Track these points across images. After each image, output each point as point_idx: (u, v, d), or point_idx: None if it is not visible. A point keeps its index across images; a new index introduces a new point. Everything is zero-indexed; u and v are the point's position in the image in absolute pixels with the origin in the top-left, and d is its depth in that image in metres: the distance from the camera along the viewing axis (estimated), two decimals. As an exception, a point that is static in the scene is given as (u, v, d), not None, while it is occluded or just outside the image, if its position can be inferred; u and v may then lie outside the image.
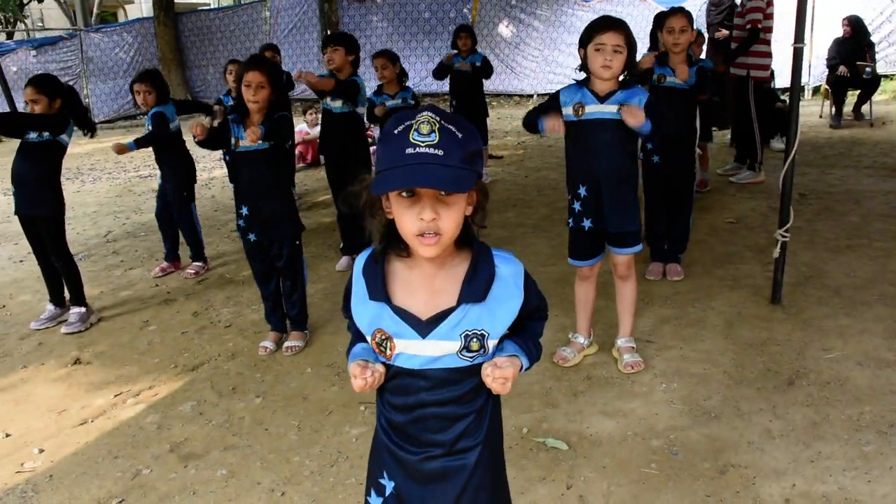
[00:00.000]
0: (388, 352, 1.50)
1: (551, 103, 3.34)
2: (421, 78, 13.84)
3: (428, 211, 1.37)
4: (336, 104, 5.09)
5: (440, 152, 1.33)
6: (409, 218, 1.40)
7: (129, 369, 3.97)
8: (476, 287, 1.47)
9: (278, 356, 3.96)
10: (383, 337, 1.50)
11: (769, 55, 6.77)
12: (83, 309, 4.68)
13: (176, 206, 5.51)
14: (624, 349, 3.53)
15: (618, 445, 2.90)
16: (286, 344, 4.02)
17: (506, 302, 1.50)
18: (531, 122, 3.33)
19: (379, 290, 1.49)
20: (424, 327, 1.47)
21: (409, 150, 1.34)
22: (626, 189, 3.27)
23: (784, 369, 3.40)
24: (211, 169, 9.96)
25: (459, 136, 1.36)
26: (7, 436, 3.38)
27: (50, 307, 4.80)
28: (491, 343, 1.49)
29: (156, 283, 5.42)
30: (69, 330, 4.55)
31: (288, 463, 2.95)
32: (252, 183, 3.80)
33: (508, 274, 1.51)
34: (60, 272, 4.70)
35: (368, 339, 1.53)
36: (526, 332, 1.60)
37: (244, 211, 3.85)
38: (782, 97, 9.04)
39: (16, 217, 4.63)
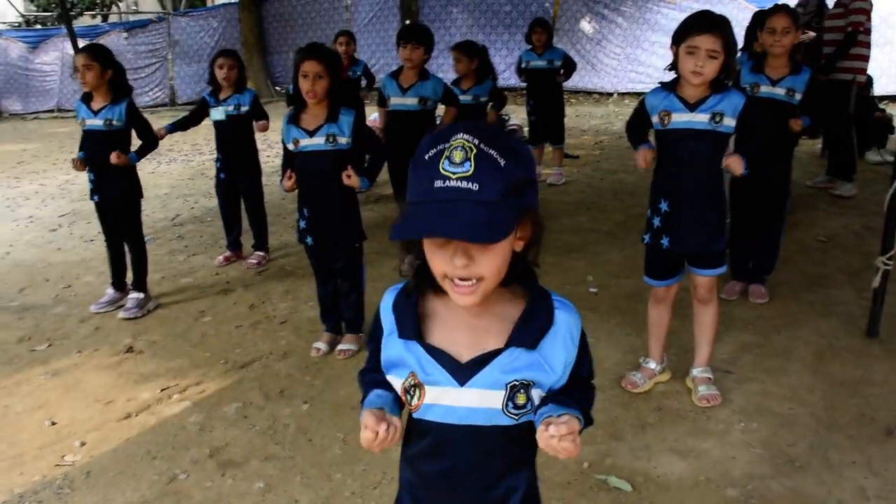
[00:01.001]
0: (416, 401, 1.25)
1: (638, 117, 3.04)
2: (500, 72, 13.52)
3: (459, 257, 1.14)
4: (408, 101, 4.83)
5: (475, 186, 1.10)
6: (440, 260, 1.17)
7: (179, 362, 3.84)
8: (530, 331, 1.23)
9: (330, 359, 3.78)
10: (412, 383, 1.25)
11: (868, 59, 6.26)
12: (142, 295, 4.61)
13: (249, 195, 5.42)
14: (700, 380, 3.21)
15: (688, 491, 2.60)
16: (339, 347, 3.83)
17: (557, 354, 1.25)
18: (631, 142, 3.10)
19: (410, 326, 1.26)
20: (463, 372, 1.23)
21: (439, 184, 1.11)
22: (713, 206, 2.95)
23: (881, 415, 3.03)
24: (276, 157, 9.92)
25: (502, 163, 1.11)
26: (53, 423, 3.30)
27: (110, 291, 4.74)
28: (536, 395, 1.24)
29: (217, 271, 5.32)
30: (126, 315, 4.48)
31: (329, 480, 2.75)
32: (314, 185, 3.59)
33: (565, 322, 1.26)
34: (130, 256, 4.66)
35: (397, 384, 1.28)
36: (575, 393, 1.32)
37: (305, 212, 3.66)
38: (881, 106, 8.42)
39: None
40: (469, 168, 1.10)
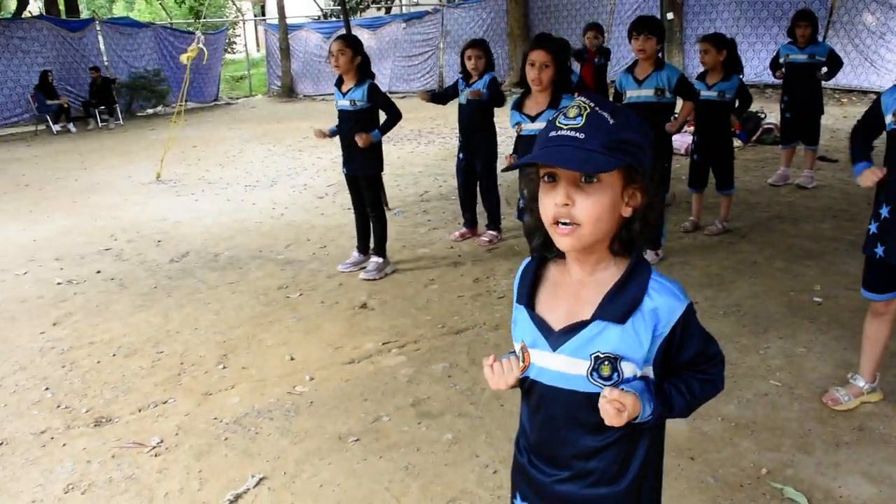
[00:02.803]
0: (523, 363, 1.38)
1: (869, 118, 2.84)
2: (764, 67, 12.68)
3: (560, 195, 1.25)
4: None
5: (581, 135, 1.22)
6: (547, 203, 1.28)
7: (402, 321, 4.23)
8: (617, 305, 1.29)
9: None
10: (521, 346, 1.39)
11: None
12: (381, 259, 5.10)
13: (483, 177, 5.72)
14: (914, 405, 2.92)
15: (872, 516, 2.43)
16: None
17: (649, 332, 1.30)
18: (851, 154, 2.93)
19: (524, 293, 1.39)
20: (556, 339, 1.33)
21: (553, 133, 1.26)
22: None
23: None
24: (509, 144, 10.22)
25: (611, 122, 1.22)
26: (292, 359, 3.82)
27: (355, 254, 5.29)
28: (627, 368, 1.30)
29: (451, 245, 5.71)
30: (366, 276, 4.99)
31: (510, 442, 2.91)
32: None
33: (662, 305, 1.30)
34: (371, 223, 5.16)
35: (517, 345, 1.42)
36: (673, 380, 1.36)
37: (525, 193, 3.86)
38: None
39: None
40: (580, 121, 1.23)
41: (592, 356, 1.30)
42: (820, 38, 8.40)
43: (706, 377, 1.39)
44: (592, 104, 1.25)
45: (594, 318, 1.30)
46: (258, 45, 30.35)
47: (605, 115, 1.23)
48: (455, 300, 4.53)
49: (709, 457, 2.77)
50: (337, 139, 5.09)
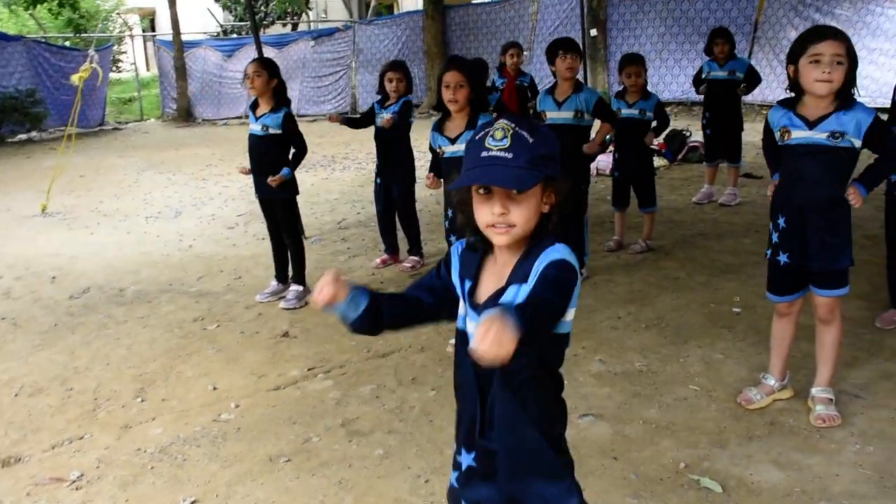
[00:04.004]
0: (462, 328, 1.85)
1: (768, 135, 3.38)
2: (689, 84, 13.60)
3: (497, 206, 1.69)
4: None
5: (509, 155, 1.65)
6: (483, 211, 1.72)
7: (327, 347, 4.57)
8: (522, 268, 1.73)
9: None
10: (462, 314, 1.84)
11: None
12: (301, 287, 5.42)
13: (401, 201, 6.12)
14: (819, 399, 3.44)
15: (779, 500, 2.89)
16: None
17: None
18: (769, 167, 3.54)
19: (470, 271, 1.82)
20: (481, 308, 1.76)
21: (484, 154, 1.68)
22: (834, 223, 3.20)
23: None
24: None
25: (531, 140, 1.67)
26: (215, 388, 4.11)
27: (274, 283, 5.60)
28: None
29: (373, 272, 6.08)
30: (286, 305, 5.30)
31: (441, 454, 3.30)
32: None
33: (549, 254, 1.71)
34: (289, 250, 5.49)
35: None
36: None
37: (449, 213, 4.27)
38: None
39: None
40: (506, 142, 1.66)
41: None
42: (744, 54, 9.17)
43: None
44: (514, 125, 1.68)
45: (508, 283, 1.75)
46: (148, 63, 30.16)
47: (526, 134, 1.67)
48: (382, 326, 4.89)
49: (630, 456, 3.21)
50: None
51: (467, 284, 1.83)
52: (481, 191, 1.71)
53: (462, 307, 1.85)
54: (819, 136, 3.12)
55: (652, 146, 6.04)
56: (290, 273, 5.55)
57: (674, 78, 14.80)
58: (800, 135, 3.16)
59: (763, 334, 4.25)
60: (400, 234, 6.25)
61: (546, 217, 1.76)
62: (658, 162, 9.00)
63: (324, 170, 11.24)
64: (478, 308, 1.78)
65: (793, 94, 3.22)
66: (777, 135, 3.25)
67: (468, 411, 1.86)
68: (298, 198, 5.52)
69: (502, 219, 1.69)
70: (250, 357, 4.51)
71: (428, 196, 7.39)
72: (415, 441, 3.43)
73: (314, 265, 6.09)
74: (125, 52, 28.78)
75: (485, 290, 1.80)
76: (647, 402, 3.64)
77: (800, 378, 3.73)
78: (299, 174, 5.63)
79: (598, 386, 3.85)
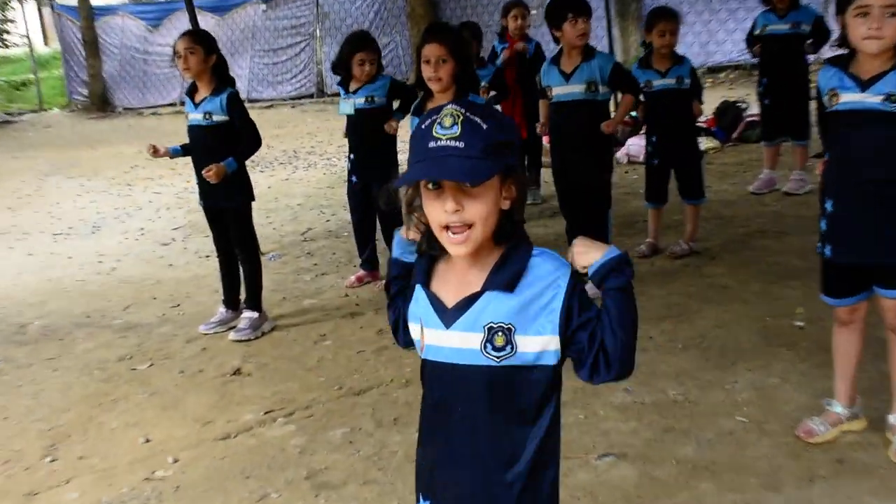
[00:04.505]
0: (422, 343, 2.03)
1: (821, 103, 3.55)
2: (736, 46, 13.66)
3: (450, 202, 1.86)
4: None
5: (460, 144, 1.82)
6: (434, 209, 1.90)
7: (288, 386, 4.77)
8: (503, 275, 1.92)
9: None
10: (419, 326, 2.03)
11: None
12: (256, 314, 5.62)
13: (383, 204, 6.26)
14: (897, 429, 3.60)
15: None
16: None
17: (540, 299, 1.92)
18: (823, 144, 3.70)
19: (421, 273, 2.03)
20: (450, 316, 1.96)
21: (432, 144, 1.85)
22: (893, 209, 3.36)
23: None
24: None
25: (484, 126, 1.84)
26: (147, 441, 4.30)
27: (221, 310, 5.82)
28: (521, 340, 1.91)
29: (346, 293, 6.30)
30: (238, 337, 5.51)
31: (429, 508, 3.48)
32: None
33: (547, 271, 1.93)
34: (242, 269, 5.70)
35: (415, 329, 2.06)
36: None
37: None
38: None
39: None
40: (456, 130, 1.83)
41: (485, 327, 1.92)
42: (805, 2, 9.25)
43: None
44: (465, 111, 1.85)
45: (484, 289, 1.93)
46: (46, 35, 29.73)
47: (478, 120, 1.83)
48: (354, 357, 5.10)
49: (661, 503, 3.39)
50: (182, 163, 5.62)
51: (421, 290, 2.03)
52: (430, 186, 1.88)
53: (416, 330, 2.06)
54: (872, 99, 3.30)
55: (699, 123, 6.21)
56: (243, 297, 5.75)
57: (728, 34, 14.94)
58: (850, 98, 3.35)
59: (832, 353, 4.45)
60: (381, 245, 6.45)
61: (507, 215, 1.93)
62: (706, 143, 9.21)
63: (284, 168, 11.49)
64: (445, 314, 1.97)
65: (845, 51, 3.40)
66: (825, 99, 3.45)
67: (435, 453, 2.08)
68: (254, 205, 5.72)
69: (457, 217, 1.85)
70: (192, 401, 4.71)
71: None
72: (396, 493, 3.62)
73: (272, 287, 6.30)
74: (13, 21, 27.98)
75: (445, 296, 1.99)
76: (682, 437, 3.83)
77: (876, 405, 3.88)
78: (254, 176, 5.85)
79: (622, 420, 4.04)
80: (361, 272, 6.49)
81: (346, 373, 4.88)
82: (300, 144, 13.11)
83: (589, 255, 1.97)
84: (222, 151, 5.31)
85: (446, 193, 1.86)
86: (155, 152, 5.47)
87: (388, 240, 6.32)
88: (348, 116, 6.24)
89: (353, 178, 6.37)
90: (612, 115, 5.65)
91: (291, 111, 17.58)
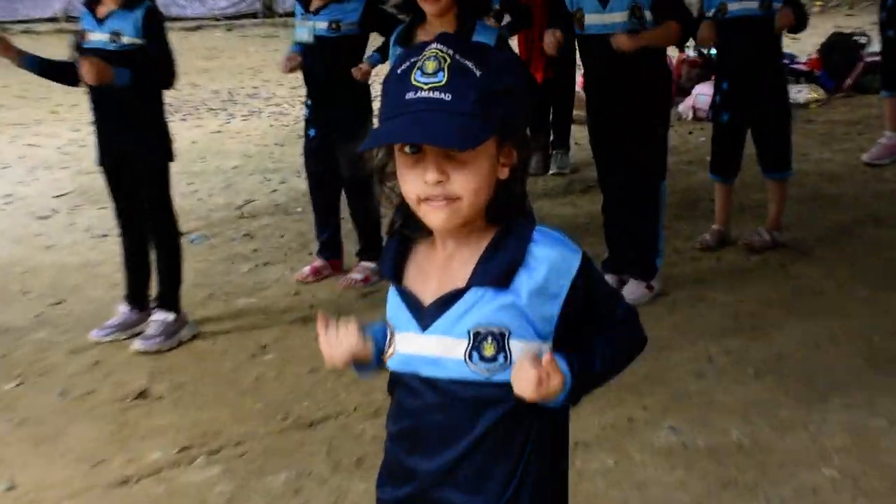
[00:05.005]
0: (389, 349, 2.14)
1: None
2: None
3: (432, 171, 1.92)
4: None
5: (447, 96, 1.89)
6: (411, 179, 1.97)
7: (213, 413, 4.86)
8: (494, 266, 2.01)
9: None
10: (390, 330, 2.14)
11: None
12: (172, 316, 5.69)
13: (351, 167, 6.28)
14: None
15: None
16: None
17: (542, 295, 2.02)
18: None
19: (388, 265, 2.14)
20: (426, 316, 2.06)
21: (410, 95, 1.92)
22: None
23: None
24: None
25: (478, 73, 1.92)
26: (11, 488, 4.35)
27: (123, 309, 5.88)
28: (516, 347, 2.01)
29: (297, 289, 6.41)
30: (145, 347, 5.57)
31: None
32: None
33: (550, 258, 2.01)
34: (156, 253, 5.76)
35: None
36: (587, 348, 2.11)
37: None
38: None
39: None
40: (442, 78, 1.88)
41: (471, 332, 2.01)
42: None
43: (619, 335, 2.17)
44: (452, 52, 1.90)
45: (469, 285, 2.02)
46: None
47: (470, 64, 1.90)
48: (305, 377, 5.18)
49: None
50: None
51: (391, 286, 2.15)
52: (407, 149, 1.96)
53: (391, 316, 2.17)
54: None
55: (797, 63, 6.19)
56: (153, 293, 5.83)
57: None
58: None
59: None
60: (347, 225, 6.59)
61: (504, 186, 2.02)
62: (806, 93, 9.31)
63: (214, 117, 11.53)
64: (421, 314, 2.07)
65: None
66: None
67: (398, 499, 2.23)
68: (172, 166, 5.76)
69: (440, 189, 1.93)
70: (78, 433, 4.76)
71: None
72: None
73: (195, 280, 6.40)
74: None
75: (425, 288, 2.09)
76: (747, 494, 3.91)
77: None
78: (174, 126, 5.83)
79: (665, 468, 4.12)
80: (319, 262, 6.59)
81: (293, 398, 4.96)
82: (238, 84, 13.07)
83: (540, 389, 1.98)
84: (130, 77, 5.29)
85: (427, 159, 1.93)
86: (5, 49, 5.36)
87: (358, 217, 6.52)
88: (305, 46, 6.29)
89: (312, 132, 6.45)
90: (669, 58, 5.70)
91: (227, 36, 17.79)
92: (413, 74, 1.92)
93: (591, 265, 2.08)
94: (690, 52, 9.86)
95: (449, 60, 1.91)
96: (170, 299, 5.75)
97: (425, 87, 1.90)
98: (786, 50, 6.70)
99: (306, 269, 6.60)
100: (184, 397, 5.10)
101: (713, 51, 7.62)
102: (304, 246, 7.08)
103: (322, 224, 6.63)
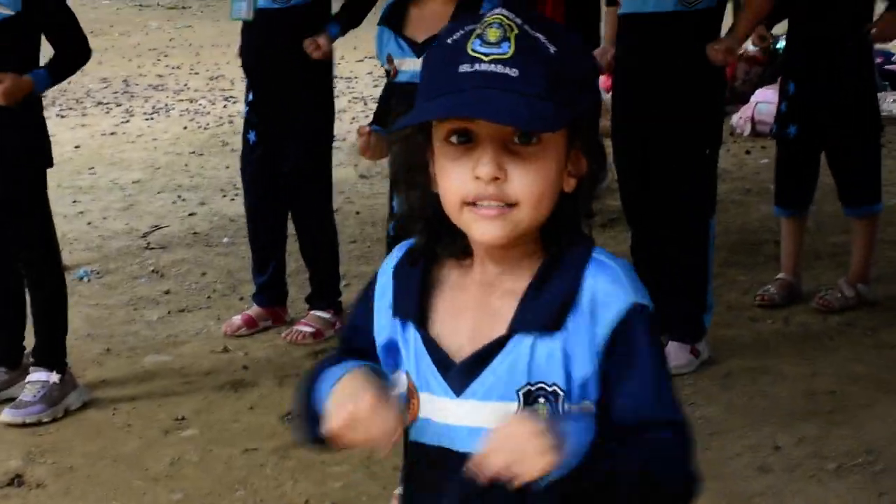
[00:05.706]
0: (408, 413, 2.07)
1: None
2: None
3: (487, 163, 1.87)
4: None
5: (513, 72, 1.85)
6: (457, 175, 1.92)
7: (114, 506, 4.89)
8: (543, 304, 1.99)
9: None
10: (409, 385, 2.08)
11: None
12: (55, 377, 5.67)
13: (305, 182, 6.43)
14: None
15: None
16: None
17: (587, 338, 1.97)
18: None
19: (410, 301, 2.09)
20: (459, 375, 2.02)
21: (465, 68, 1.88)
22: None
23: None
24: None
25: (551, 49, 1.92)
26: None
27: (-11, 367, 5.89)
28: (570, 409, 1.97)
29: (226, 344, 6.43)
30: (18, 417, 5.56)
31: None
32: None
33: (600, 291, 1.99)
34: (29, 292, 5.78)
35: (399, 378, 2.12)
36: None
37: None
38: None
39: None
40: (508, 49, 1.85)
41: (520, 393, 1.99)
42: None
43: (656, 443, 2.00)
44: (519, 21, 1.87)
45: (512, 331, 2.00)
46: None
47: (543, 38, 1.88)
48: (236, 458, 5.20)
49: None
50: None
51: (412, 331, 2.08)
52: (454, 138, 1.92)
53: (402, 381, 2.08)
54: None
55: (889, 62, 6.28)
56: (29, 347, 5.84)
57: None
58: None
59: None
60: (296, 262, 6.69)
61: (570, 201, 2.00)
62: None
63: (106, 114, 11.57)
64: (452, 373, 2.02)
65: None
66: None
67: None
68: (52, 173, 5.80)
69: (494, 188, 1.87)
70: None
71: (358, 181, 7.65)
72: None
73: (86, 330, 6.43)
74: None
75: (457, 336, 2.04)
76: None
77: None
78: (53, 124, 5.78)
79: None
80: (255, 309, 6.63)
81: (221, 488, 4.96)
82: (136, 70, 13.08)
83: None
84: (11, 63, 5.34)
85: (481, 149, 1.89)
86: None
87: (311, 252, 6.49)
88: (245, 24, 6.37)
89: (252, 137, 6.46)
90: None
91: (117, 5, 17.87)
92: (470, 43, 1.89)
93: (646, 320, 1.99)
94: (750, 46, 9.62)
95: (516, 30, 1.88)
96: (51, 354, 5.74)
97: (486, 58, 1.86)
98: (880, 47, 6.69)
99: (237, 319, 6.60)
100: (73, 486, 5.06)
101: (780, 43, 7.46)
102: (233, 288, 7.11)
103: (261, 261, 6.64)
